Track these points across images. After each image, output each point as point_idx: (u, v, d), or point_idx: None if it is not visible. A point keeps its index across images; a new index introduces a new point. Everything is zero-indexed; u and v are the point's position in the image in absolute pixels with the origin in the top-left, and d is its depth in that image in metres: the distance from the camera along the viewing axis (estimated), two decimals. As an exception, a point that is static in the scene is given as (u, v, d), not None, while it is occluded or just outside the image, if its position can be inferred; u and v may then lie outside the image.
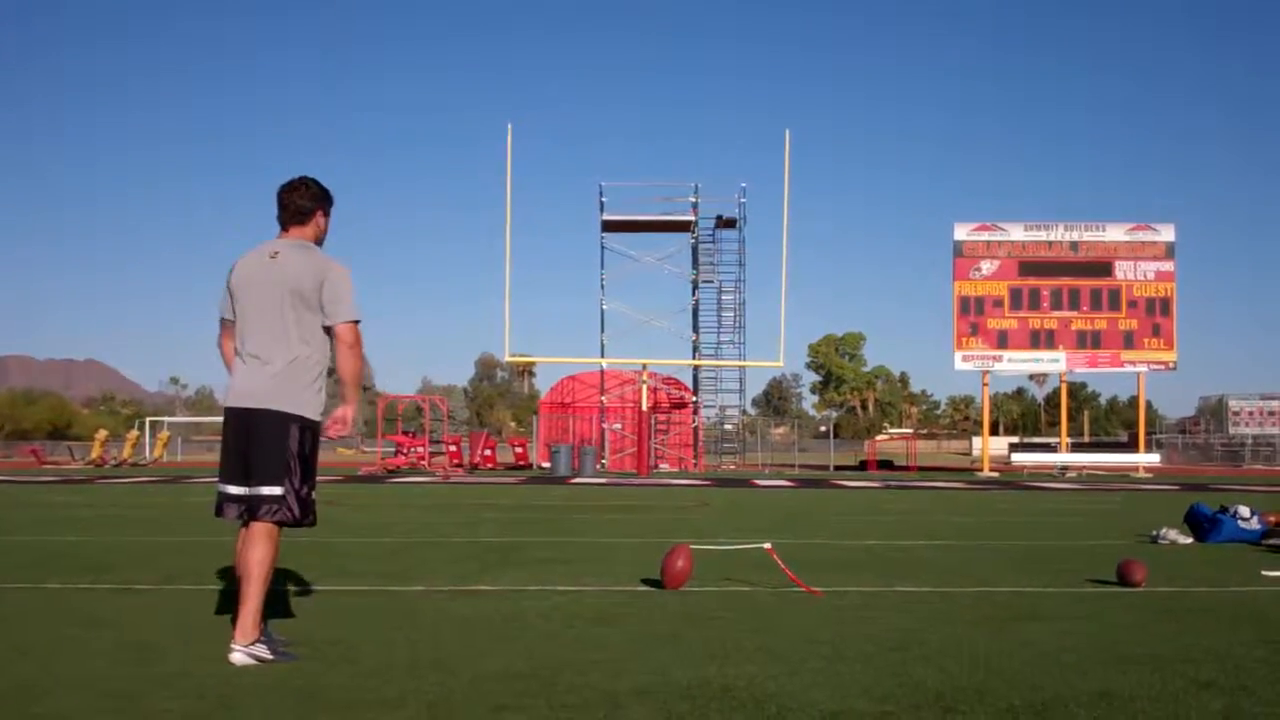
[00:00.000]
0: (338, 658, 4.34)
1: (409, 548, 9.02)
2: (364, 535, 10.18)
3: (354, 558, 8.11)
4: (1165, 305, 35.03)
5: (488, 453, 36.16)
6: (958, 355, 35.28)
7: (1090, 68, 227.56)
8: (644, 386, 34.63)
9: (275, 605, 5.29)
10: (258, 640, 4.22)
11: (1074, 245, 35.19)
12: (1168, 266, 35.19)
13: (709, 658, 4.39)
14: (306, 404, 4.39)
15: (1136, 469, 35.73)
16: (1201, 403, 65.02)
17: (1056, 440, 43.56)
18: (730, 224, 38.73)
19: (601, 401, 38.77)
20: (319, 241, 4.63)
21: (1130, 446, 46.57)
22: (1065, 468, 35.31)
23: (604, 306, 38.11)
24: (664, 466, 37.33)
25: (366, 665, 4.21)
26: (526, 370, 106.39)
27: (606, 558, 8.24)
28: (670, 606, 5.79)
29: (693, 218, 38.61)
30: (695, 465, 38.39)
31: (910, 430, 74.91)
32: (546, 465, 34.58)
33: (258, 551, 4.27)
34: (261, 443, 4.33)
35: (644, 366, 35.26)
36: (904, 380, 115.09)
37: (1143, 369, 35.17)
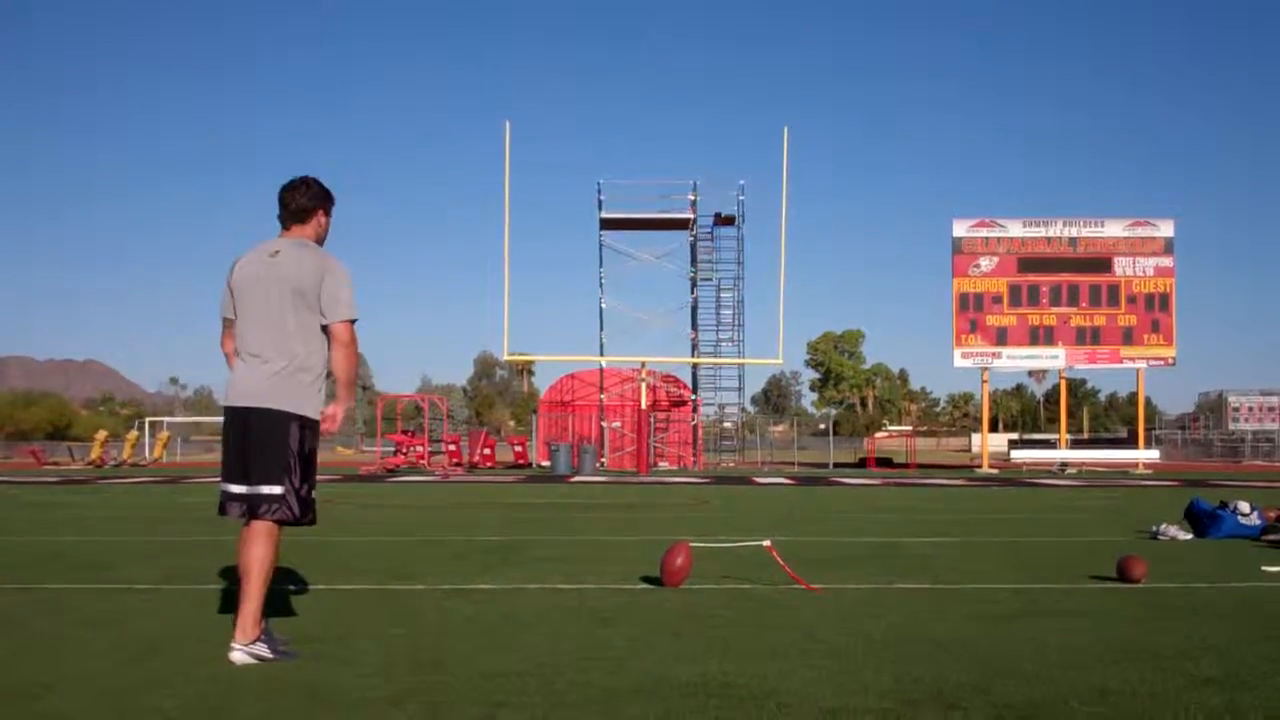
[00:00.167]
0: (338, 656, 4.34)
1: (409, 547, 9.02)
2: (364, 534, 10.18)
3: (354, 556, 8.11)
4: (1164, 301, 35.04)
5: (487, 451, 36.16)
6: (957, 352, 35.29)
7: (1089, 64, 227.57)
8: (643, 385, 34.63)
9: (276, 604, 5.29)
10: (258, 639, 4.22)
11: (1073, 241, 35.20)
12: (1167, 262, 35.21)
13: (709, 655, 4.39)
14: (306, 403, 4.39)
15: (1136, 465, 35.74)
16: (1201, 398, 65.14)
17: (1056, 437, 43.58)
18: (729, 221, 38.73)
19: (601, 400, 38.77)
20: (320, 241, 4.63)
21: (1130, 442, 46.60)
22: (1065, 464, 35.33)
23: (603, 304, 38.14)
24: (663, 465, 37.35)
25: (366, 663, 4.21)
26: (525, 369, 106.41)
27: (606, 556, 8.25)
28: (670, 604, 5.79)
29: (691, 215, 38.59)
30: (695, 463, 38.40)
31: (910, 427, 74.92)
32: (546, 464, 34.58)
33: (258, 550, 4.28)
34: (261, 442, 4.33)
35: (643, 365, 35.27)
36: (903, 377, 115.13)
37: (1142, 365, 35.19)
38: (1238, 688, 3.86)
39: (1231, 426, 54.34)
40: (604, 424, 38.24)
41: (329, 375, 4.53)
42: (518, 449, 38.80)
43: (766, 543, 6.91)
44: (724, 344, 39.02)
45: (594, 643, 4.66)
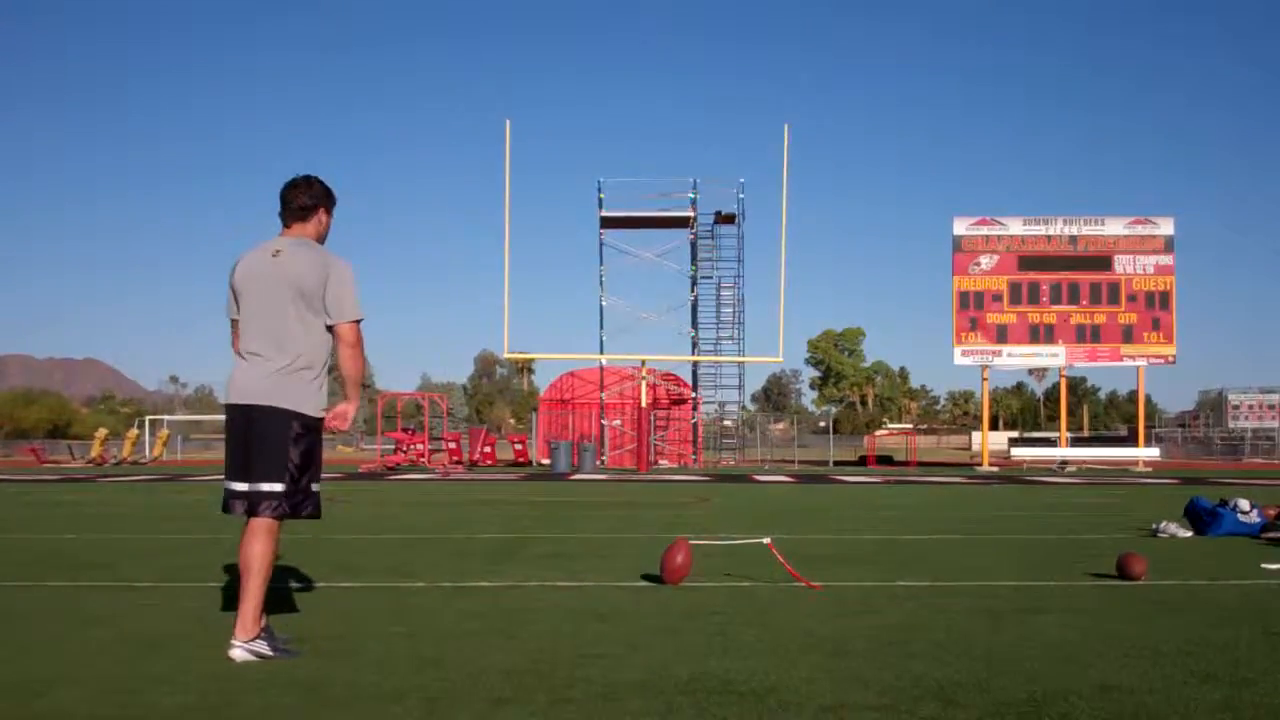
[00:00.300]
0: (338, 653, 4.34)
1: (409, 544, 9.03)
2: (364, 532, 10.18)
3: (354, 554, 8.11)
4: (1165, 299, 35.04)
5: (487, 449, 36.16)
6: (957, 350, 35.29)
7: (1090, 62, 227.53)
8: (643, 382, 34.63)
9: (276, 602, 5.29)
10: (258, 636, 4.22)
11: (1073, 239, 35.19)
12: (1167, 260, 35.19)
13: (709, 652, 4.39)
14: (307, 401, 4.40)
15: (1136, 463, 35.74)
16: (1201, 397, 65.20)
17: (1056, 435, 43.60)
18: (729, 219, 38.72)
19: (601, 398, 38.77)
20: (321, 240, 4.63)
21: (1130, 440, 46.58)
22: (1065, 462, 35.33)
23: (603, 303, 38.12)
24: (663, 463, 37.34)
25: (367, 660, 4.21)
26: (526, 367, 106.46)
27: (606, 553, 8.25)
28: (670, 601, 5.79)
29: (692, 213, 38.58)
30: (695, 461, 38.41)
31: (910, 425, 74.88)
32: (546, 462, 34.58)
33: (257, 547, 4.28)
34: (262, 439, 4.33)
35: (643, 363, 35.26)
36: (903, 375, 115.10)
37: (1142, 363, 35.18)
38: (1238, 684, 3.86)
39: (1231, 424, 54.38)
40: (604, 422, 38.24)
41: (332, 373, 4.54)
42: (518, 447, 38.80)
43: (766, 540, 6.91)
44: (724, 342, 39.05)
45: (594, 640, 4.66)
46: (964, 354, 35.30)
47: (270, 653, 4.20)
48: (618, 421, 38.42)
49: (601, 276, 38.41)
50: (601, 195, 38.22)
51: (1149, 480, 25.42)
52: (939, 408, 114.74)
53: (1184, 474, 29.52)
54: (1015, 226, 35.38)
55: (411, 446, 34.94)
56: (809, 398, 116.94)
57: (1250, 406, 54.06)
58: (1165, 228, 35.41)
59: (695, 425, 39.85)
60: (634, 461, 33.85)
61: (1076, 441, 51.02)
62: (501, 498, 16.66)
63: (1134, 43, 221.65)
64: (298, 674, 3.95)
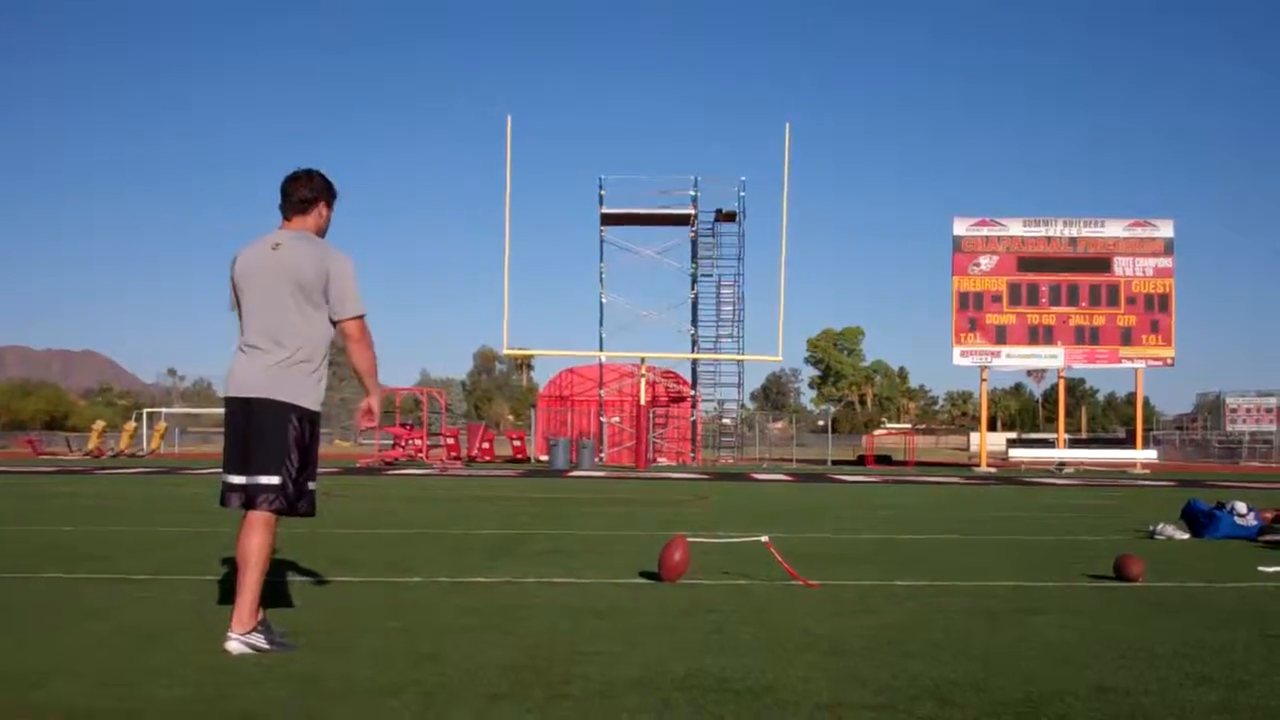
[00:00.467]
0: (335, 647, 4.34)
1: (406, 540, 9.02)
2: (361, 527, 10.18)
3: (351, 549, 8.11)
4: (1164, 301, 35.05)
5: (485, 445, 36.17)
6: (956, 350, 35.30)
7: (1090, 64, 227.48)
8: (642, 380, 34.62)
9: (273, 596, 5.29)
10: (254, 629, 4.22)
11: (1073, 241, 35.19)
12: (1166, 263, 35.20)
13: (706, 649, 4.39)
14: (305, 394, 4.39)
15: (1134, 465, 35.77)
16: (1199, 399, 65.24)
17: (1054, 436, 43.61)
18: (730, 217, 38.71)
19: (600, 395, 38.76)
20: (321, 233, 4.62)
21: (1128, 443, 46.64)
22: (1063, 463, 35.35)
23: (603, 300, 38.11)
24: (662, 460, 37.33)
25: (363, 655, 4.21)
26: (525, 363, 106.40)
27: (604, 550, 8.25)
28: (668, 599, 5.79)
29: (692, 211, 38.58)
30: (693, 459, 38.41)
31: (908, 425, 74.91)
32: (544, 458, 34.58)
33: (255, 540, 4.28)
34: (260, 432, 4.33)
35: (642, 360, 35.25)
36: (902, 375, 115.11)
37: (1141, 365, 35.19)
38: (1234, 686, 3.86)
39: (1229, 427, 54.34)
40: (603, 419, 38.24)
41: (333, 366, 4.54)
42: (516, 443, 38.80)
43: (764, 538, 6.91)
44: (723, 340, 39.06)
45: (591, 636, 4.66)
46: (963, 354, 35.31)
47: (267, 646, 4.20)
48: (616, 419, 38.42)
49: (601, 273, 38.43)
50: (602, 192, 38.23)
51: (1146, 482, 25.43)
52: (937, 408, 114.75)
53: (1181, 476, 29.54)
54: (1015, 227, 35.38)
55: (410, 442, 34.93)
56: (808, 397, 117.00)
57: (1248, 410, 54.01)
58: (1165, 230, 35.41)
59: (694, 423, 39.85)
60: (632, 459, 33.85)
61: (1074, 443, 51.05)
62: (499, 494, 16.66)
63: (1134, 43, 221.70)
64: (294, 667, 3.95)
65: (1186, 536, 9.85)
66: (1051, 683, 3.88)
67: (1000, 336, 35.04)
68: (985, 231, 35.38)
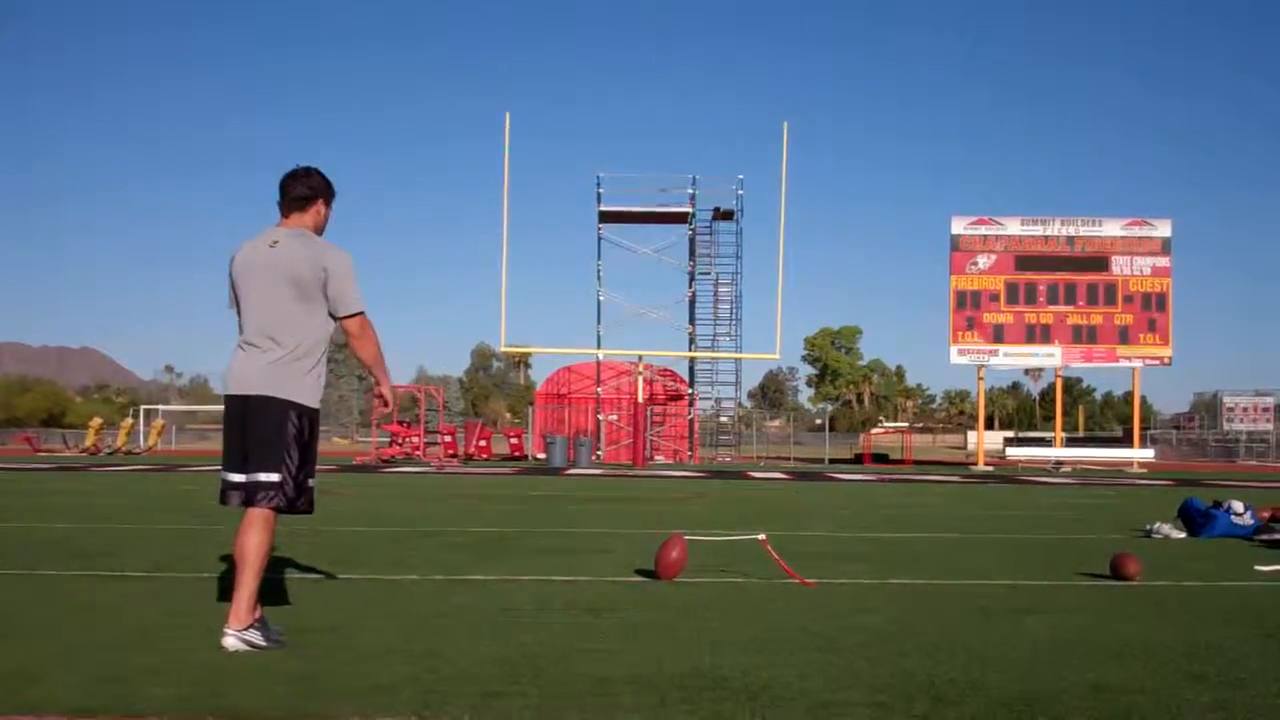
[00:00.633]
0: (331, 644, 4.34)
1: (403, 537, 9.02)
2: (359, 524, 10.18)
3: (349, 547, 8.11)
4: (1161, 301, 35.05)
5: (482, 443, 36.17)
6: (953, 349, 35.30)
7: (1089, 63, 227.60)
8: (640, 378, 34.62)
9: (271, 593, 5.29)
10: (251, 626, 4.22)
11: (1070, 240, 35.19)
12: (1164, 262, 35.20)
13: (702, 647, 4.40)
14: (304, 391, 4.39)
15: (1131, 464, 35.78)
16: (1196, 398, 65.23)
17: (1051, 435, 43.61)
18: (728, 216, 38.73)
19: (597, 393, 38.77)
20: (319, 231, 4.62)
21: (1125, 442, 46.62)
22: (1060, 462, 35.37)
23: (600, 298, 38.12)
24: (659, 458, 37.35)
25: (360, 652, 4.21)
26: (522, 361, 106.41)
27: (601, 548, 8.25)
28: (664, 597, 5.80)
29: (690, 209, 38.59)
30: (690, 457, 38.42)
31: (906, 424, 74.91)
32: (541, 456, 34.57)
33: (253, 537, 4.27)
34: (259, 430, 4.33)
35: (640, 358, 35.24)
36: (900, 374, 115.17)
37: (1138, 364, 35.20)
38: (1230, 685, 3.87)
39: (1226, 427, 54.38)
40: (600, 417, 38.25)
41: (333, 362, 4.54)
42: (513, 441, 38.81)
43: (761, 536, 6.92)
44: (721, 338, 39.09)
45: (587, 634, 4.67)
46: (960, 353, 35.31)
47: (263, 643, 4.20)
48: (614, 416, 38.43)
49: (599, 271, 38.43)
50: (600, 190, 38.25)
51: (1143, 481, 25.45)
52: (935, 406, 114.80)
53: (1178, 475, 29.56)
54: (1013, 226, 35.37)
55: (407, 439, 34.93)
56: (805, 395, 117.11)
57: (1245, 409, 54.04)
58: (1162, 229, 35.41)
59: (691, 421, 39.87)
60: (630, 457, 33.85)
61: (1071, 442, 51.02)
62: (496, 491, 16.66)
63: (1134, 43, 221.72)
64: (290, 664, 3.95)
65: (1183, 535, 9.86)
66: (1047, 681, 3.88)
67: (998, 335, 35.04)
68: (983, 230, 35.37)
